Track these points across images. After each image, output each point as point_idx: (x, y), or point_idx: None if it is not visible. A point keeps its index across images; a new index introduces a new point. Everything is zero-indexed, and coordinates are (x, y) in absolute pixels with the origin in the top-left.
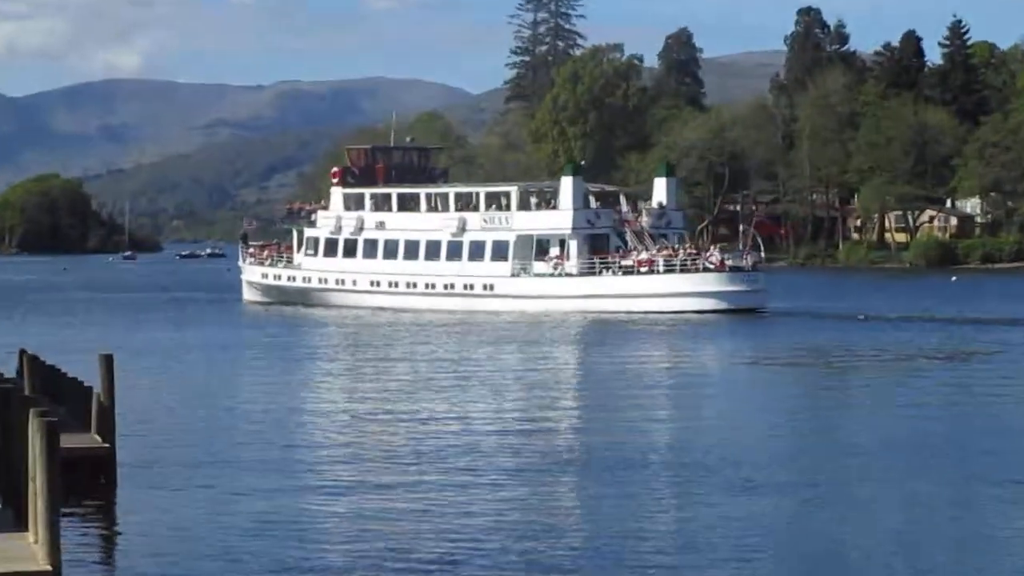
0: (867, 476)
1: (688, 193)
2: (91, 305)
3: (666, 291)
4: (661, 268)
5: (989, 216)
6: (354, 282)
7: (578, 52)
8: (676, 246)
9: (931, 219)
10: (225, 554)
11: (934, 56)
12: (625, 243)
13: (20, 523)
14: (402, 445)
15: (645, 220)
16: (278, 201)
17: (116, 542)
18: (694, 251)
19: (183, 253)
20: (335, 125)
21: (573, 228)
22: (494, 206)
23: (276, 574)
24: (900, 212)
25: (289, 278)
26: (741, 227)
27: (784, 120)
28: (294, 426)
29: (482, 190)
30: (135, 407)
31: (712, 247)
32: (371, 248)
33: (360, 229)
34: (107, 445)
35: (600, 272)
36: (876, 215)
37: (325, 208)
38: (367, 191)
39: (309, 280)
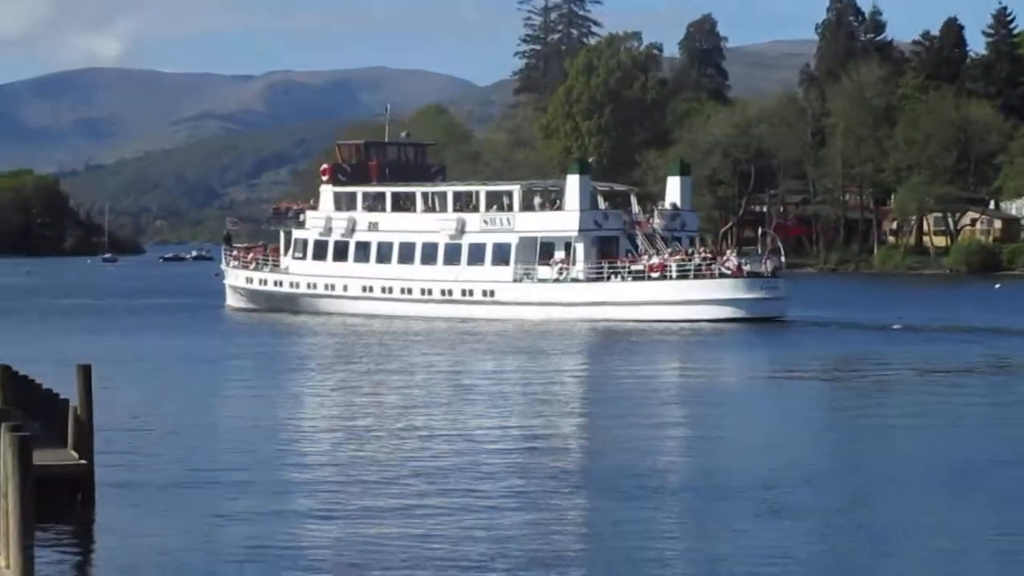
0: (900, 501)
1: (711, 193)
2: (69, 311)
3: (679, 298)
4: (674, 274)
5: None
6: (345, 287)
7: (593, 41)
8: (690, 250)
9: (973, 222)
10: None
11: (977, 46)
12: (636, 247)
13: None
14: (397, 465)
15: (657, 222)
16: (269, 200)
17: (93, 565)
18: (709, 256)
19: (167, 255)
20: (332, 119)
21: (580, 230)
22: (495, 206)
23: None
24: (940, 214)
25: (276, 283)
26: (760, 229)
27: (815, 115)
28: (282, 444)
29: (482, 189)
30: (114, 421)
31: (729, 251)
32: (363, 251)
33: (352, 230)
34: (84, 462)
35: (608, 277)
36: (914, 217)
37: (314, 208)
38: (359, 190)
39: (297, 285)
